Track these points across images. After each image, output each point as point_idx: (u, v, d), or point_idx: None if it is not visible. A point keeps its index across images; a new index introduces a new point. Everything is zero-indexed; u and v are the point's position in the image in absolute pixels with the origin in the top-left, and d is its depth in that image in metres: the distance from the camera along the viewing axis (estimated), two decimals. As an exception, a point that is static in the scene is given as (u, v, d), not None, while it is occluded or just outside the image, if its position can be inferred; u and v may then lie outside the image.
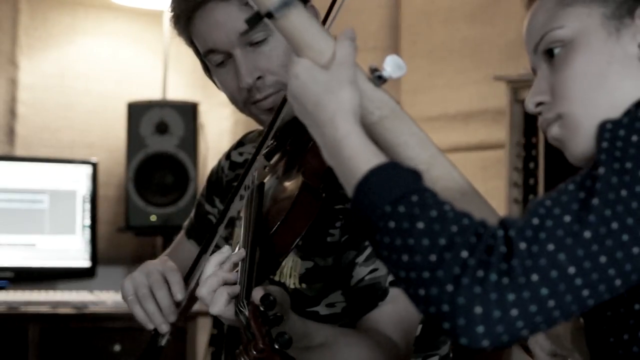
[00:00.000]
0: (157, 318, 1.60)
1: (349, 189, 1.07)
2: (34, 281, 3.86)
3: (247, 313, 1.36)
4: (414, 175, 1.04)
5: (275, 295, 1.34)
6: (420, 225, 0.99)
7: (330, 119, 1.12)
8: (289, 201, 1.53)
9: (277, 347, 1.30)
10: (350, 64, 1.15)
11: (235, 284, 1.44)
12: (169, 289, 1.60)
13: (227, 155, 1.93)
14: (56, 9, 4.14)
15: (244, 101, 1.72)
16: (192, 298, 1.65)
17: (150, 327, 1.61)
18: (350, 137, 1.10)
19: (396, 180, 1.03)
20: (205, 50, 1.71)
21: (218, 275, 1.44)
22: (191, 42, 1.74)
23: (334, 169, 1.12)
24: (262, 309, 1.33)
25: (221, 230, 1.63)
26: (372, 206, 1.02)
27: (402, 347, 1.58)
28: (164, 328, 1.59)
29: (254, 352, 1.30)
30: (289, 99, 1.19)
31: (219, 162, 1.94)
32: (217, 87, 1.79)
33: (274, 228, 1.51)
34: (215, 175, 1.93)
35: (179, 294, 1.60)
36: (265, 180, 1.65)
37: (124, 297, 1.65)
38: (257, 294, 1.35)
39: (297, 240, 1.51)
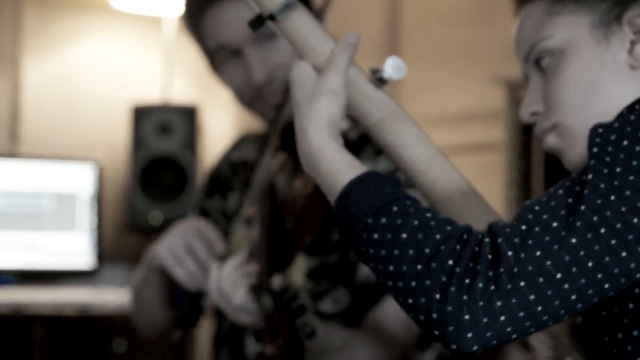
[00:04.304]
0: (199, 275, 1.60)
1: (331, 201, 1.07)
2: (38, 281, 3.88)
3: (269, 303, 1.37)
4: (393, 184, 1.04)
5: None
6: (404, 235, 0.99)
7: (304, 132, 1.12)
8: (305, 197, 1.54)
9: (302, 336, 1.31)
10: (338, 71, 1.15)
11: (253, 275, 1.46)
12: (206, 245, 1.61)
13: (225, 156, 1.94)
14: (60, 11, 4.15)
15: (250, 97, 1.72)
16: None
17: (193, 286, 1.61)
18: (323, 151, 1.10)
19: (375, 191, 1.03)
20: (215, 46, 1.71)
21: (235, 268, 1.45)
22: (199, 39, 1.75)
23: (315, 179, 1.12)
24: (284, 299, 1.34)
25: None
26: (354, 219, 1.02)
27: (405, 342, 1.60)
28: (206, 285, 1.59)
29: (281, 341, 1.30)
30: (292, 95, 1.19)
31: (217, 164, 1.94)
32: (224, 82, 1.79)
33: (290, 223, 1.52)
34: (214, 174, 1.93)
35: (219, 247, 1.61)
36: (276, 178, 1.67)
37: (161, 263, 1.63)
38: (278, 282, 1.36)
39: (312, 234, 1.52)
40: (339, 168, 1.08)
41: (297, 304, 1.32)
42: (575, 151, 1.14)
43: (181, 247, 1.61)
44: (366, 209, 1.02)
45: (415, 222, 0.99)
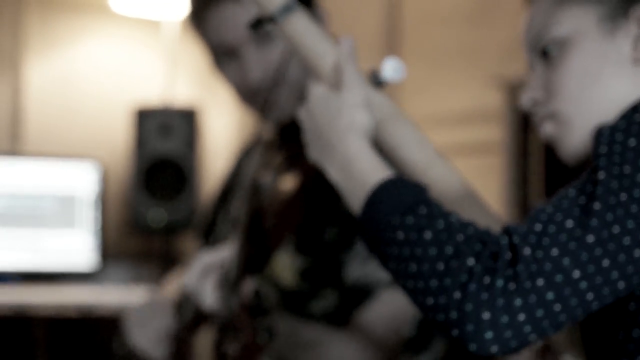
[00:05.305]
0: (150, 347, 1.71)
1: (357, 203, 1.10)
2: (41, 281, 3.89)
3: (235, 304, 1.38)
4: (421, 188, 1.06)
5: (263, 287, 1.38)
6: (428, 235, 1.00)
7: (343, 137, 1.15)
8: (285, 197, 1.55)
9: (261, 338, 1.32)
10: (359, 87, 1.19)
11: (220, 270, 1.49)
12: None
13: (235, 165, 1.95)
14: (61, 13, 4.16)
15: (247, 96, 1.74)
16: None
17: (147, 353, 1.72)
18: (361, 153, 1.13)
19: (404, 192, 1.05)
20: (215, 44, 1.73)
21: (202, 262, 1.48)
22: (202, 36, 1.77)
23: (340, 186, 1.14)
24: (249, 301, 1.35)
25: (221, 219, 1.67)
26: (381, 218, 1.04)
27: (391, 346, 1.61)
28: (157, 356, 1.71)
29: (238, 343, 1.32)
30: (304, 120, 1.22)
31: (227, 174, 1.96)
32: (224, 79, 1.81)
33: (269, 222, 1.53)
34: (223, 184, 1.95)
35: (171, 325, 1.71)
36: (264, 177, 1.68)
37: (127, 325, 1.77)
38: (247, 286, 1.37)
39: (289, 233, 1.54)
40: (373, 171, 1.11)
41: (261, 307, 1.34)
42: (571, 141, 1.15)
43: (141, 318, 1.74)
44: (394, 208, 1.04)
45: (440, 224, 1.01)
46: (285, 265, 1.64)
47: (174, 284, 1.87)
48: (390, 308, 1.60)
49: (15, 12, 4.09)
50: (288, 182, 1.60)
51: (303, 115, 1.22)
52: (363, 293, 1.62)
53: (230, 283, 1.46)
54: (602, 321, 1.07)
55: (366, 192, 1.08)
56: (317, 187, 1.56)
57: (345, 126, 1.16)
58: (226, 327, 1.45)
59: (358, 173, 1.12)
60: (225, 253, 1.53)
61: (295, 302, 1.62)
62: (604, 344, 1.07)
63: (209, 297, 1.47)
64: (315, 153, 1.20)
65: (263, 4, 1.20)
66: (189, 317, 1.69)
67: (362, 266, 1.61)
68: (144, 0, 3.97)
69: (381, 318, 1.61)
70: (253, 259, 1.50)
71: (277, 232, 1.55)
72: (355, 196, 1.11)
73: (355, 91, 1.18)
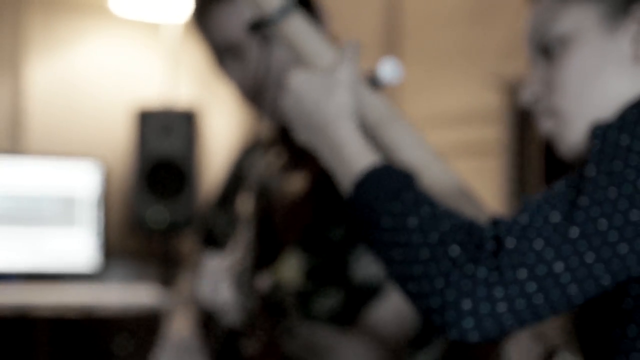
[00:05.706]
0: None
1: (346, 188, 1.10)
2: (42, 282, 3.90)
3: (252, 302, 1.38)
4: (409, 177, 1.07)
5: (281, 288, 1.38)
6: (414, 222, 1.01)
7: (332, 121, 1.16)
8: (294, 194, 1.56)
9: (279, 336, 1.32)
10: (349, 67, 1.19)
11: (231, 273, 1.49)
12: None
13: (234, 165, 1.95)
14: (63, 14, 4.17)
15: (250, 94, 1.74)
16: None
17: None
18: (350, 138, 1.14)
19: (392, 179, 1.06)
20: (218, 42, 1.73)
21: (214, 267, 1.48)
22: (204, 34, 1.77)
23: (331, 170, 1.15)
24: (269, 300, 1.35)
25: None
26: (368, 204, 1.05)
27: (398, 343, 1.61)
28: None
29: (257, 339, 1.32)
30: (289, 105, 1.21)
31: (226, 175, 1.96)
32: (226, 77, 1.81)
33: (278, 221, 1.53)
34: (223, 187, 1.95)
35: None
36: (272, 176, 1.68)
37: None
38: (264, 282, 1.38)
39: (299, 232, 1.54)
40: (361, 156, 1.12)
41: (281, 306, 1.34)
42: (569, 136, 1.16)
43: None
44: (381, 194, 1.05)
45: (426, 211, 1.02)
46: (291, 265, 1.65)
47: (184, 292, 1.86)
48: (397, 306, 1.61)
49: (16, 13, 4.10)
50: (296, 182, 1.60)
51: (287, 100, 1.21)
52: (370, 292, 1.62)
53: (245, 284, 1.46)
54: (598, 319, 1.08)
55: (354, 177, 1.09)
56: (325, 186, 1.56)
57: (334, 108, 1.16)
58: (244, 326, 1.45)
59: (347, 160, 1.12)
60: (232, 256, 1.53)
61: (300, 301, 1.63)
62: (600, 341, 1.08)
63: (225, 295, 1.47)
64: (304, 135, 1.20)
65: (261, 6, 1.21)
66: (223, 331, 1.69)
67: (369, 265, 1.61)
68: (144, 2, 3.98)
69: (389, 317, 1.62)
70: (264, 259, 1.50)
71: (287, 232, 1.55)
72: (345, 182, 1.12)
73: (347, 70, 1.19)
